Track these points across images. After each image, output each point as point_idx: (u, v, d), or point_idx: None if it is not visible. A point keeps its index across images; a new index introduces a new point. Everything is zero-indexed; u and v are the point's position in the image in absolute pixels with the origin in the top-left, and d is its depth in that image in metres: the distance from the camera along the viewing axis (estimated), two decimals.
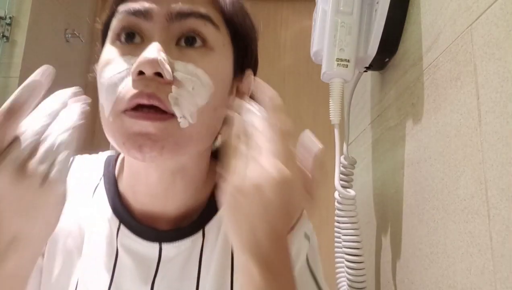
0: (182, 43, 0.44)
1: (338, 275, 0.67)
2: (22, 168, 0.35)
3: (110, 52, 0.44)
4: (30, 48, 1.40)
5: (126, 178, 0.51)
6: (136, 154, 0.41)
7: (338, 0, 0.58)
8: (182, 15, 0.44)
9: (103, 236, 0.50)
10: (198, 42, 0.44)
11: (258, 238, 0.37)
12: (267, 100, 0.42)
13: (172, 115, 0.41)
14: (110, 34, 0.46)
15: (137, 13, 0.43)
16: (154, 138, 0.41)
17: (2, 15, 1.37)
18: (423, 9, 0.52)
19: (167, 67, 0.40)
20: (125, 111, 0.41)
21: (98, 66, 0.45)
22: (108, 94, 0.42)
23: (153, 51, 0.40)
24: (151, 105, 0.40)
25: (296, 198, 0.40)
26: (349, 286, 0.62)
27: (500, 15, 0.35)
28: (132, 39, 0.44)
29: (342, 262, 0.63)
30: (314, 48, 0.64)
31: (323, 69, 0.60)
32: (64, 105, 0.42)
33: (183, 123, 0.42)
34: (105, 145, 0.50)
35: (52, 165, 0.37)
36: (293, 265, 0.41)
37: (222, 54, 0.46)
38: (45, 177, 0.36)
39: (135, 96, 0.40)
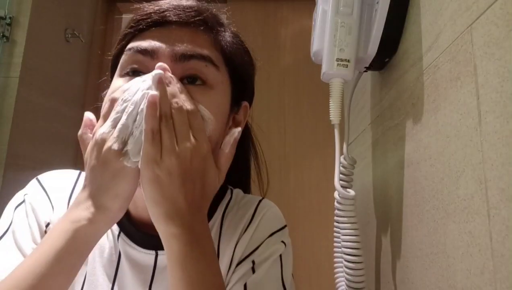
0: (185, 81, 0.49)
1: (336, 275, 0.67)
2: (105, 142, 0.43)
3: (118, 84, 0.48)
4: (30, 48, 1.40)
5: None
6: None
7: (338, 0, 0.58)
8: (186, 57, 0.48)
9: (105, 241, 0.53)
10: (199, 81, 0.49)
11: (179, 206, 0.42)
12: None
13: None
14: (119, 69, 0.50)
15: (144, 51, 0.48)
16: None
17: (2, 15, 1.37)
18: (423, 9, 0.52)
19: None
20: None
21: (108, 93, 0.49)
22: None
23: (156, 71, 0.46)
24: None
25: (209, 171, 0.45)
26: (348, 286, 0.62)
27: (500, 15, 0.35)
28: (138, 75, 0.48)
29: (341, 262, 0.63)
30: (314, 48, 0.64)
31: (323, 69, 0.60)
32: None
33: None
34: None
35: (129, 139, 0.43)
36: (211, 239, 0.46)
37: (221, 91, 0.51)
38: (124, 151, 0.43)
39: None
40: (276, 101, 1.89)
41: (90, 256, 0.53)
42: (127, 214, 0.54)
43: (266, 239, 0.54)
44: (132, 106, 0.44)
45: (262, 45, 1.93)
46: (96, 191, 0.44)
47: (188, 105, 0.45)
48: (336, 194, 0.64)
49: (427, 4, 0.51)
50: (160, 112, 0.43)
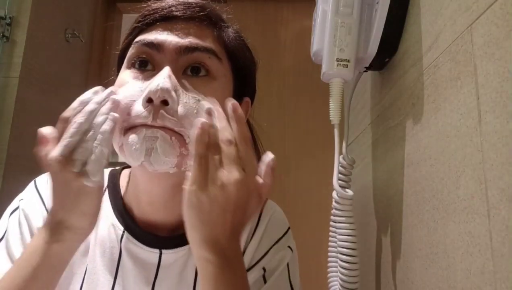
0: (188, 72, 0.50)
1: (329, 275, 0.67)
2: (64, 159, 0.42)
3: (125, 76, 0.50)
4: (30, 48, 1.40)
5: (131, 189, 0.56)
6: (139, 169, 0.48)
7: (338, 0, 0.58)
8: (190, 49, 0.50)
9: (106, 241, 0.54)
10: (203, 72, 0.50)
11: (216, 233, 0.42)
12: (229, 109, 0.45)
13: (182, 136, 0.47)
14: (126, 61, 0.52)
15: (150, 44, 0.50)
16: (167, 151, 0.46)
17: (2, 15, 1.37)
18: (423, 9, 0.52)
19: (173, 94, 0.46)
20: (131, 128, 0.47)
21: (115, 85, 0.50)
22: (120, 112, 0.47)
23: (163, 80, 0.45)
24: (162, 127, 0.46)
25: (251, 199, 0.44)
26: (341, 286, 0.62)
27: (500, 15, 0.35)
28: (145, 66, 0.50)
29: (336, 262, 0.63)
30: (314, 48, 0.64)
31: (323, 69, 0.60)
32: (98, 103, 0.46)
33: (189, 143, 0.47)
34: None
35: (89, 159, 0.43)
36: (243, 259, 0.47)
37: (224, 83, 0.52)
38: (83, 168, 0.42)
39: (142, 122, 0.46)
40: (276, 101, 1.89)
41: (91, 254, 0.54)
42: (130, 214, 0.55)
43: (273, 245, 0.57)
44: (92, 130, 0.44)
45: (262, 45, 1.93)
46: (63, 213, 0.44)
47: (240, 134, 0.44)
48: (334, 194, 0.64)
49: (427, 4, 0.51)
50: (209, 141, 0.43)
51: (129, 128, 0.47)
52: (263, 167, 0.46)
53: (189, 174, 0.43)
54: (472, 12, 0.39)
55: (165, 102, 0.46)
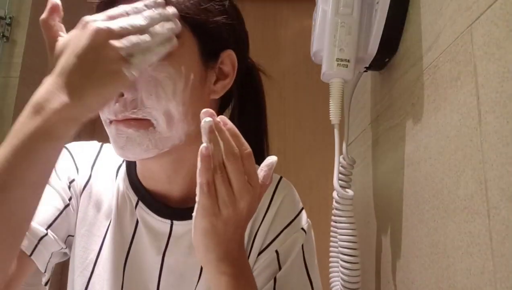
0: None
1: (331, 275, 0.67)
2: (114, 34, 0.41)
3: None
4: (30, 48, 1.39)
5: (138, 165, 0.58)
6: (124, 155, 0.50)
7: (338, 0, 0.58)
8: None
9: (126, 208, 0.57)
10: None
11: (231, 249, 0.44)
12: (223, 128, 0.43)
13: (148, 121, 0.48)
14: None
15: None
16: (138, 142, 0.48)
17: (2, 15, 1.37)
18: (423, 9, 0.52)
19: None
20: (111, 122, 0.49)
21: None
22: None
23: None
24: (125, 119, 0.48)
25: (255, 206, 0.46)
26: (343, 286, 0.62)
27: (500, 15, 0.35)
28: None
29: (337, 262, 0.63)
30: (314, 48, 0.64)
31: (323, 69, 0.60)
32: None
33: (157, 125, 0.48)
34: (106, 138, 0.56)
35: (137, 52, 0.42)
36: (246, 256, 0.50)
37: (178, 57, 0.49)
38: (128, 57, 0.41)
39: (115, 112, 0.48)
40: (276, 101, 1.89)
41: (113, 220, 0.56)
42: (144, 188, 0.57)
43: (285, 227, 0.56)
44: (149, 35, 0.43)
45: (262, 45, 1.93)
46: (78, 82, 0.40)
47: (243, 149, 0.43)
48: (334, 194, 0.64)
49: (427, 4, 0.51)
50: (214, 162, 0.42)
51: (110, 121, 0.49)
52: (264, 168, 0.46)
53: (196, 202, 0.43)
54: (472, 12, 0.39)
55: (121, 94, 0.47)
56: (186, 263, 0.54)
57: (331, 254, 0.68)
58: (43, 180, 0.42)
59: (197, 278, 0.54)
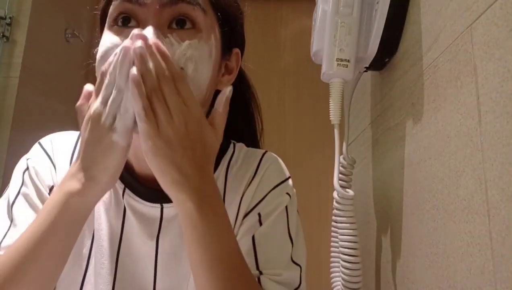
0: (174, 25, 0.49)
1: (332, 275, 0.67)
2: (98, 118, 0.44)
3: (108, 35, 0.49)
4: (30, 48, 1.39)
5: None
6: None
7: (338, 0, 0.58)
8: (173, 1, 0.49)
9: (111, 197, 0.56)
10: (188, 25, 0.50)
11: (185, 172, 0.43)
12: (153, 48, 0.44)
13: None
14: (108, 20, 0.51)
15: (132, 0, 0.49)
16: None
17: (2, 15, 1.37)
18: (423, 9, 0.52)
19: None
20: None
21: (99, 49, 0.50)
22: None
23: (149, 33, 0.46)
24: None
25: (206, 133, 0.46)
26: (344, 285, 0.62)
27: (500, 15, 0.35)
28: (128, 23, 0.49)
29: (338, 262, 0.63)
30: (314, 48, 0.64)
31: (323, 69, 0.60)
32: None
33: None
34: None
35: (117, 114, 0.44)
36: (221, 196, 0.48)
37: (210, 35, 0.52)
38: (112, 127, 0.44)
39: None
40: (276, 101, 1.89)
41: (96, 213, 0.56)
42: (131, 171, 0.56)
43: (270, 191, 0.56)
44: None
45: (262, 45, 1.93)
46: (88, 164, 0.46)
47: (172, 70, 0.45)
48: (335, 194, 0.64)
49: (427, 4, 0.51)
50: (147, 87, 0.43)
51: None
52: (219, 97, 0.48)
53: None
54: (472, 12, 0.39)
55: None
56: (181, 243, 0.54)
57: (332, 254, 0.68)
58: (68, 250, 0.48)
59: None
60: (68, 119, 1.66)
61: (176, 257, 0.54)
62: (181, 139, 0.44)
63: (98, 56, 0.50)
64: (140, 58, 0.43)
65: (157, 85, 0.43)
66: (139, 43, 0.43)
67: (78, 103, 0.49)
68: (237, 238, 0.53)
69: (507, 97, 0.33)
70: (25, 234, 0.45)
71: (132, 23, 0.49)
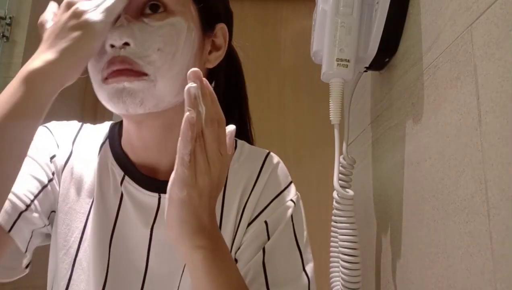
0: (147, 11, 0.51)
1: (332, 275, 0.67)
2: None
3: None
4: (30, 48, 1.39)
5: (125, 136, 0.58)
6: (120, 107, 0.49)
7: (338, 0, 0.58)
8: None
9: (109, 184, 0.57)
10: (161, 8, 0.51)
11: (204, 221, 0.43)
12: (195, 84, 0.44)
13: (145, 74, 0.49)
14: None
15: None
16: (133, 93, 0.48)
17: (2, 15, 1.37)
18: (423, 9, 0.52)
19: (136, 35, 0.48)
20: (106, 78, 0.49)
21: None
22: (92, 68, 0.51)
23: (119, 25, 0.48)
24: (124, 69, 0.48)
25: (224, 176, 0.46)
26: (343, 286, 0.62)
27: (500, 15, 0.35)
28: None
29: (337, 262, 0.63)
30: (314, 48, 0.64)
31: (323, 69, 0.60)
32: None
33: (155, 80, 0.49)
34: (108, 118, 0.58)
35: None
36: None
37: (185, 15, 0.52)
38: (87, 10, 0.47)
39: (110, 63, 0.49)
40: (276, 101, 1.89)
41: (95, 194, 0.56)
42: (130, 162, 0.57)
43: (274, 198, 0.56)
44: None
45: (262, 45, 1.93)
46: (54, 42, 0.48)
47: (219, 114, 0.43)
48: (335, 194, 0.64)
49: (427, 4, 0.51)
50: (193, 132, 0.42)
51: (102, 80, 0.50)
52: (228, 142, 0.47)
53: (174, 173, 0.43)
54: (472, 12, 0.39)
55: (127, 44, 0.49)
56: None
57: (331, 254, 0.68)
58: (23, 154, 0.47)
59: None
60: (68, 119, 1.66)
61: (169, 248, 0.54)
62: (211, 190, 0.43)
63: None
64: (194, 101, 0.41)
65: (201, 131, 0.42)
66: (194, 85, 0.41)
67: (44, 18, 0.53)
68: (242, 247, 0.54)
69: (507, 97, 0.33)
70: None
71: None
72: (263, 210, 0.55)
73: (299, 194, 0.60)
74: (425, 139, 0.50)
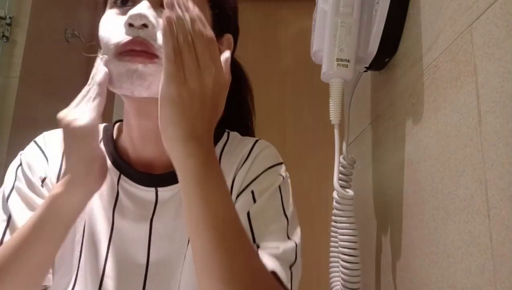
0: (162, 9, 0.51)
1: (332, 275, 0.67)
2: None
3: (108, 14, 0.53)
4: (30, 48, 1.39)
5: (124, 128, 0.59)
6: (126, 88, 0.50)
7: (338, 0, 0.58)
8: None
9: (106, 184, 0.57)
10: None
11: (197, 128, 0.44)
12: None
13: (157, 57, 0.49)
14: (109, 2, 0.55)
15: None
16: (143, 76, 0.49)
17: (2, 15, 1.37)
18: (423, 9, 0.52)
19: (152, 19, 0.49)
20: (121, 53, 0.50)
21: (100, 25, 0.53)
22: (108, 43, 0.51)
23: (140, 7, 0.49)
24: (142, 50, 0.49)
25: (224, 98, 0.48)
26: (343, 286, 0.62)
27: (500, 15, 0.35)
28: (126, 3, 0.53)
29: (337, 262, 0.63)
30: (314, 48, 0.64)
31: (323, 69, 0.60)
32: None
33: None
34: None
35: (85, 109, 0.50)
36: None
37: (201, 12, 0.53)
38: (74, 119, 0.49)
39: (128, 42, 0.49)
40: (276, 101, 1.89)
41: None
42: (126, 159, 0.58)
43: (264, 171, 0.57)
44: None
45: (262, 45, 1.93)
46: (67, 167, 0.51)
47: (208, 32, 0.45)
48: (335, 194, 0.64)
49: (427, 4, 0.51)
50: (179, 37, 0.44)
51: (116, 55, 0.50)
52: (223, 64, 0.48)
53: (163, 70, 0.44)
54: (472, 12, 0.39)
55: (145, 25, 0.49)
56: (174, 226, 0.55)
57: (331, 254, 0.68)
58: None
59: (187, 240, 0.54)
60: None
61: (169, 239, 0.55)
62: (204, 97, 0.44)
63: (101, 28, 0.53)
64: (169, 7, 0.44)
65: (190, 39, 0.44)
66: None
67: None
68: None
69: (507, 97, 0.33)
70: (14, 235, 0.48)
71: (129, 3, 0.52)
72: (251, 182, 0.56)
73: (288, 175, 0.60)
74: (425, 139, 0.50)
